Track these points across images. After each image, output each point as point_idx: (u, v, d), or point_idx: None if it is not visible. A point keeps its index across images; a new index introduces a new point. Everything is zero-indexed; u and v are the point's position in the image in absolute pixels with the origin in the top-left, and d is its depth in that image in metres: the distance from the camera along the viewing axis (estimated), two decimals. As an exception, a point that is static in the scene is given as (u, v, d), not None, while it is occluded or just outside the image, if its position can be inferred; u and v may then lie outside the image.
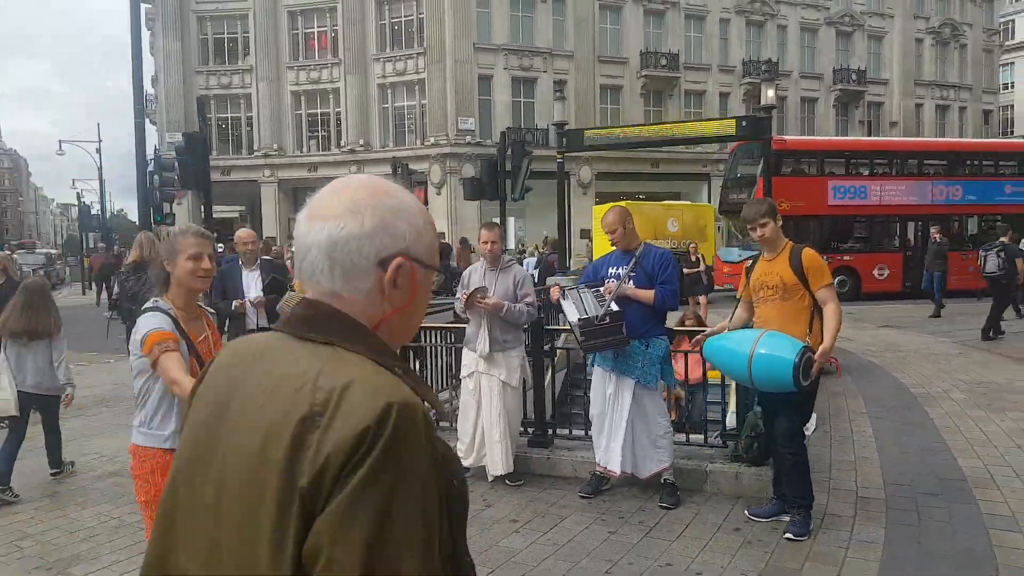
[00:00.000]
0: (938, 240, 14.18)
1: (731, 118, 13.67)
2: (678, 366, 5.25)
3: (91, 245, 30.21)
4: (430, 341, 6.31)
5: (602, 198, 27.08)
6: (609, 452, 4.43)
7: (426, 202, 20.02)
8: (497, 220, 12.24)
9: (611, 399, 4.43)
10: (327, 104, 29.44)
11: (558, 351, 6.15)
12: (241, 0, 29.25)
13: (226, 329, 5.38)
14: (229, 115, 30.03)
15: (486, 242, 4.82)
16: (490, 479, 4.79)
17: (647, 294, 4.31)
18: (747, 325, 4.19)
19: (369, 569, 0.77)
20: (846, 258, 17.63)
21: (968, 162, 19.33)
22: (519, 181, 13.00)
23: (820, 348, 3.71)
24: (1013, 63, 47.63)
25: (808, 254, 3.92)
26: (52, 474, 5.06)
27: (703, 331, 4.48)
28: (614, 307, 4.26)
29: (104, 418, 6.81)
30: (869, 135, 32.79)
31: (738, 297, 4.32)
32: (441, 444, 0.88)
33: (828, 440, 5.62)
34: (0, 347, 4.79)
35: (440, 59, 27.25)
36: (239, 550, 0.85)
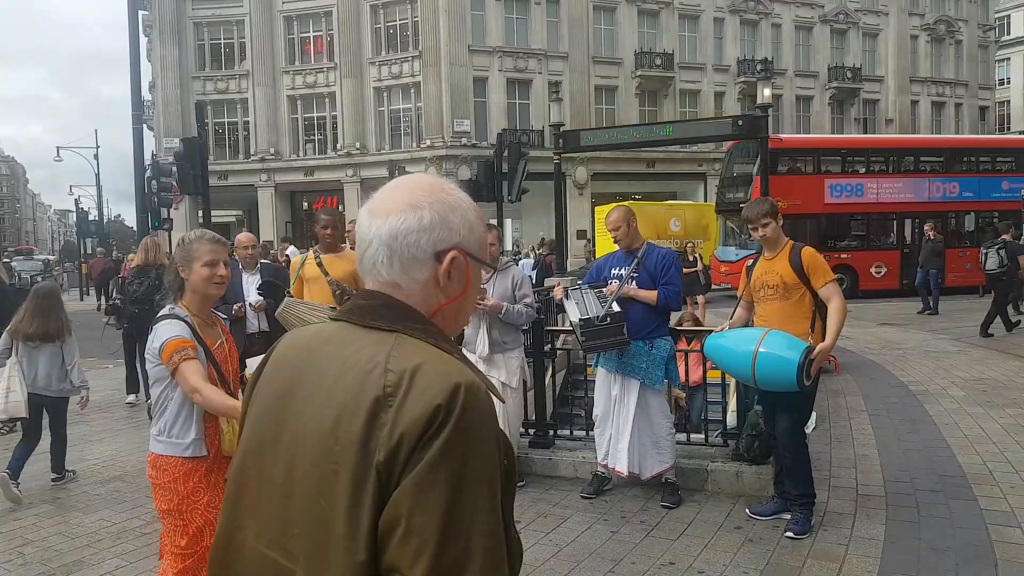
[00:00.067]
0: (932, 238, 14.17)
1: (728, 117, 13.70)
2: (679, 367, 5.26)
3: (89, 251, 30.13)
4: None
5: (598, 199, 27.13)
6: (617, 453, 4.44)
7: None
8: (494, 222, 12.25)
9: (616, 400, 4.44)
10: (323, 108, 29.45)
11: (558, 351, 6.16)
12: (237, 6, 29.28)
13: (227, 333, 5.36)
14: (226, 120, 30.03)
15: (485, 243, 4.82)
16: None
17: (649, 294, 4.32)
18: (747, 324, 4.20)
19: (446, 531, 0.82)
20: (843, 256, 17.66)
21: (964, 159, 19.39)
22: (516, 183, 12.99)
23: (820, 346, 3.73)
24: (1008, 59, 47.77)
25: (808, 252, 3.94)
26: (53, 480, 5.07)
27: (701, 331, 4.49)
28: (615, 307, 4.28)
29: (103, 424, 6.81)
30: (865, 133, 32.87)
31: (739, 296, 4.33)
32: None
33: (828, 438, 5.64)
34: (11, 350, 4.89)
35: (435, 62, 27.28)
36: (312, 526, 0.90)
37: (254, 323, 5.41)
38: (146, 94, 27.29)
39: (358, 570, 0.85)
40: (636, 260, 4.39)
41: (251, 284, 5.51)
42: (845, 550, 3.65)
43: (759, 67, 27.48)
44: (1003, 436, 5.50)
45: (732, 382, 5.46)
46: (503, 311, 4.62)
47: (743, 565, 3.54)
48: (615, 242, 4.53)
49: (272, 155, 29.18)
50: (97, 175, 34.80)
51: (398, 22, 28.62)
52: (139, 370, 7.45)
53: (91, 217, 33.10)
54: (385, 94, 28.85)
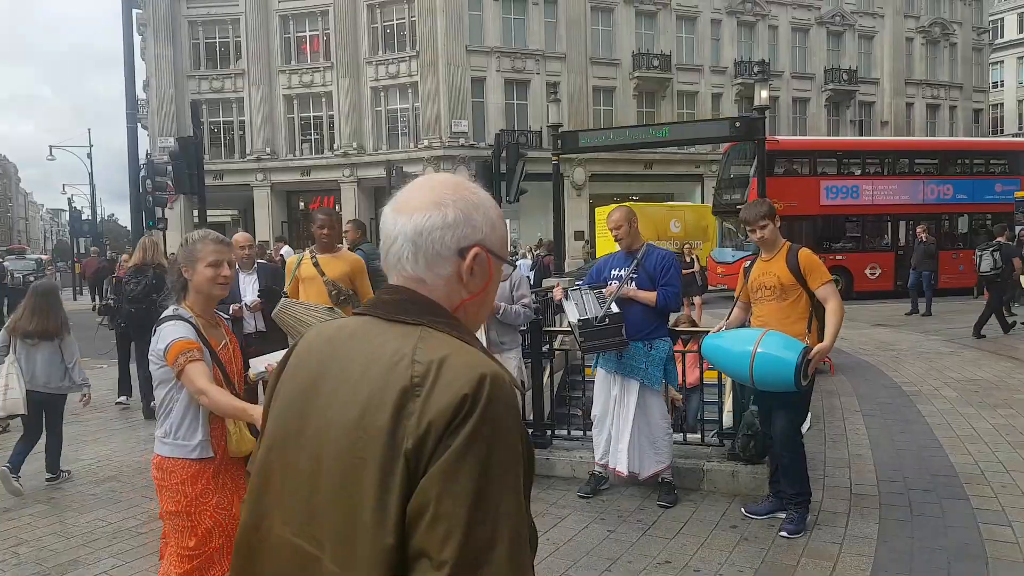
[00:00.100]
0: (925, 240, 14.22)
1: (725, 118, 13.74)
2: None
3: (82, 250, 30.01)
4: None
5: (596, 200, 27.17)
6: (617, 453, 4.45)
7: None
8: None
9: (616, 400, 4.46)
10: (320, 107, 29.40)
11: (555, 352, 6.17)
12: (232, 5, 29.20)
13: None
14: (221, 119, 29.97)
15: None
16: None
17: (648, 295, 4.33)
18: (743, 325, 4.23)
19: (473, 516, 0.85)
20: (838, 258, 17.72)
21: (959, 161, 19.49)
22: (514, 183, 12.99)
23: (818, 347, 3.76)
24: (1002, 62, 48.05)
25: (805, 254, 3.97)
26: (48, 479, 5.06)
27: (698, 332, 4.52)
28: (614, 308, 4.29)
29: (98, 423, 6.79)
30: (860, 135, 33.00)
31: (736, 297, 4.36)
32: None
33: (822, 438, 5.67)
34: (10, 347, 4.90)
35: (433, 62, 27.27)
36: (338, 513, 0.93)
37: (251, 323, 5.40)
38: (140, 93, 27.24)
39: (385, 554, 0.87)
40: (636, 261, 4.41)
41: (247, 284, 5.50)
42: (839, 549, 3.68)
43: (756, 69, 27.49)
44: (994, 436, 5.55)
45: (728, 382, 5.49)
46: (501, 311, 4.64)
47: (738, 563, 3.56)
48: (616, 241, 4.54)
49: (268, 155, 29.11)
50: (91, 174, 34.72)
51: (395, 22, 28.60)
52: (134, 371, 7.42)
53: (84, 216, 33.01)
54: (382, 94, 28.82)
